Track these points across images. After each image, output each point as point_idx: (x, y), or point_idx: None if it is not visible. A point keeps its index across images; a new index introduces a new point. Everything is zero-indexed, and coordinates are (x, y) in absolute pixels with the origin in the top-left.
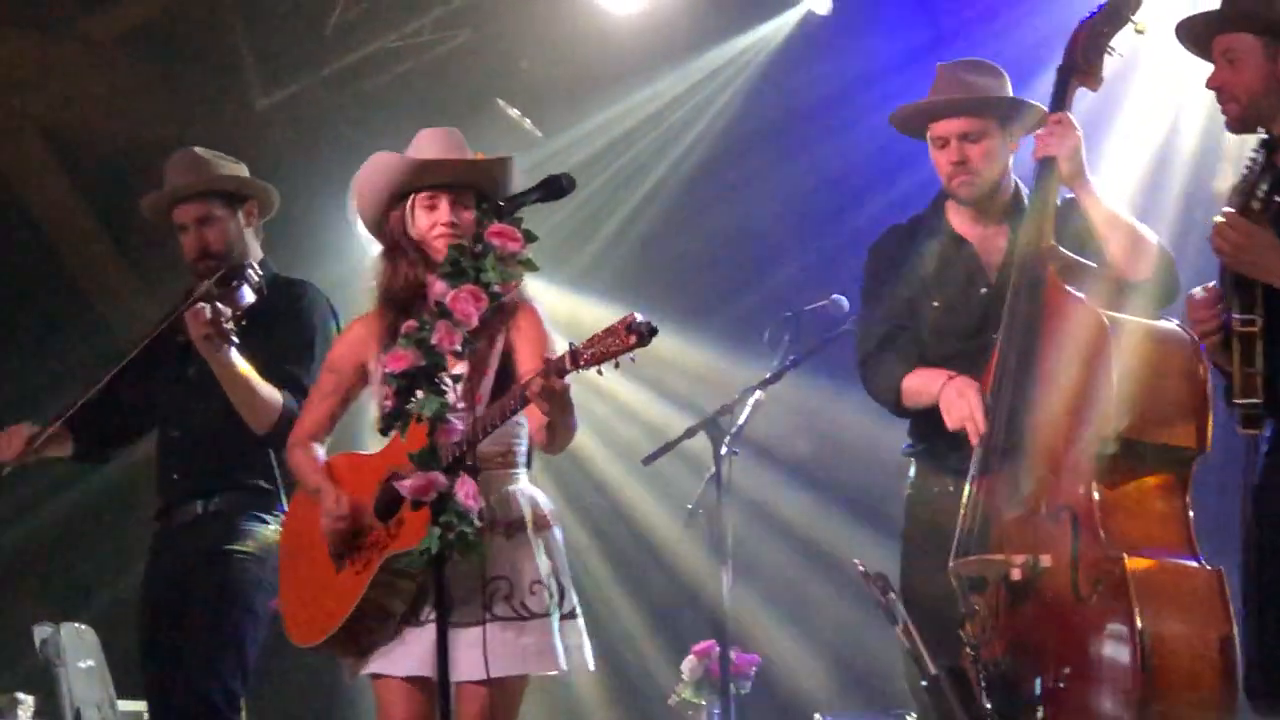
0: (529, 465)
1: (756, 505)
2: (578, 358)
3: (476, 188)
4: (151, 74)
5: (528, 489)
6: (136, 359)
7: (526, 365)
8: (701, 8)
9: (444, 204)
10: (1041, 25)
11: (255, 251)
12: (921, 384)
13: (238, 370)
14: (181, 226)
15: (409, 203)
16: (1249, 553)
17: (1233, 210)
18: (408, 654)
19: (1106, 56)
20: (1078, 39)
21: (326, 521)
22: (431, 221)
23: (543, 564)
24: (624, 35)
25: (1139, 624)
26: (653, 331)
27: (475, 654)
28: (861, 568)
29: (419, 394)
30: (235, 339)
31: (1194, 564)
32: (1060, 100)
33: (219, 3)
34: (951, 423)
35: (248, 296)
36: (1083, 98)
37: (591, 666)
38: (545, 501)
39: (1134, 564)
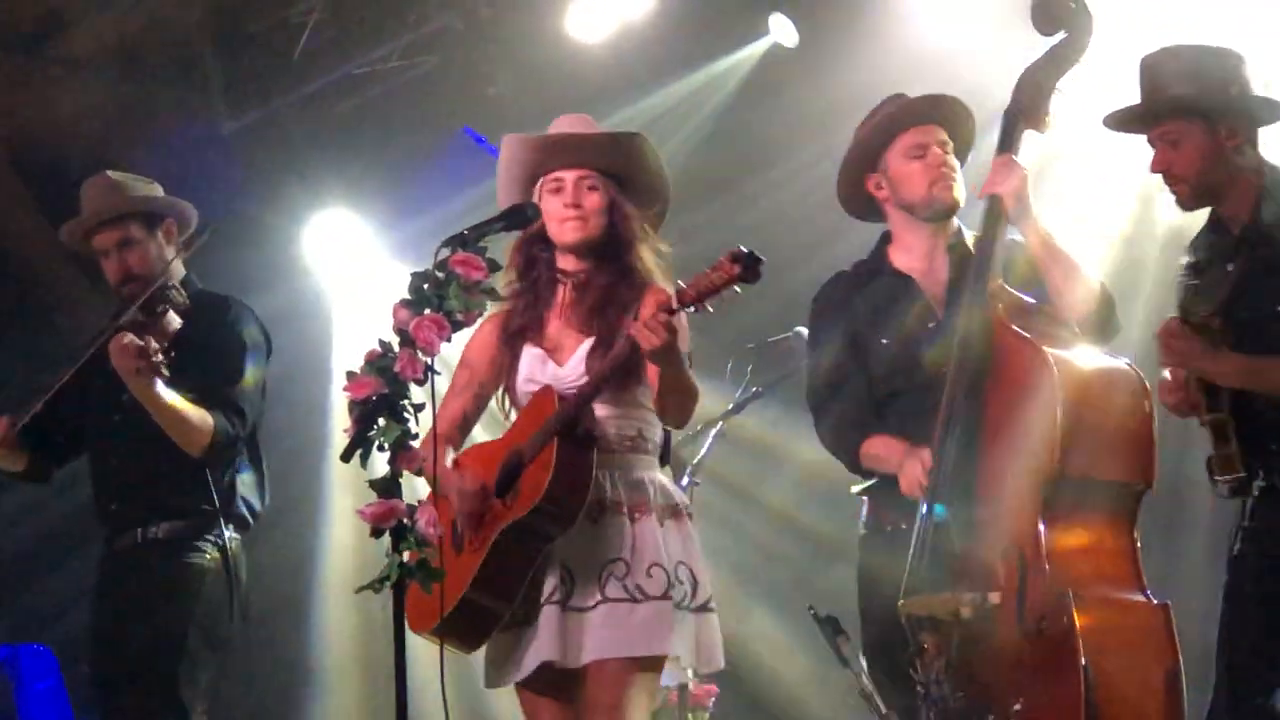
0: (665, 457)
1: (717, 536)
2: (683, 294)
3: (604, 168)
4: (118, 96)
5: (658, 476)
6: (68, 384)
7: None
8: (669, 37)
9: (569, 185)
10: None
11: (177, 269)
12: (883, 453)
13: (164, 401)
14: (103, 252)
15: (538, 187)
16: (1238, 591)
17: (1175, 319)
18: (533, 648)
19: (1055, 99)
20: (1024, 82)
21: (456, 501)
22: (557, 205)
23: (667, 549)
24: (592, 63)
25: (1083, 660)
26: (756, 261)
27: (590, 636)
28: (813, 611)
29: (380, 421)
30: (164, 372)
31: (1141, 599)
32: (1007, 142)
33: (187, 26)
34: (904, 487)
35: (174, 323)
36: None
37: (722, 664)
38: (678, 492)
39: (1080, 600)
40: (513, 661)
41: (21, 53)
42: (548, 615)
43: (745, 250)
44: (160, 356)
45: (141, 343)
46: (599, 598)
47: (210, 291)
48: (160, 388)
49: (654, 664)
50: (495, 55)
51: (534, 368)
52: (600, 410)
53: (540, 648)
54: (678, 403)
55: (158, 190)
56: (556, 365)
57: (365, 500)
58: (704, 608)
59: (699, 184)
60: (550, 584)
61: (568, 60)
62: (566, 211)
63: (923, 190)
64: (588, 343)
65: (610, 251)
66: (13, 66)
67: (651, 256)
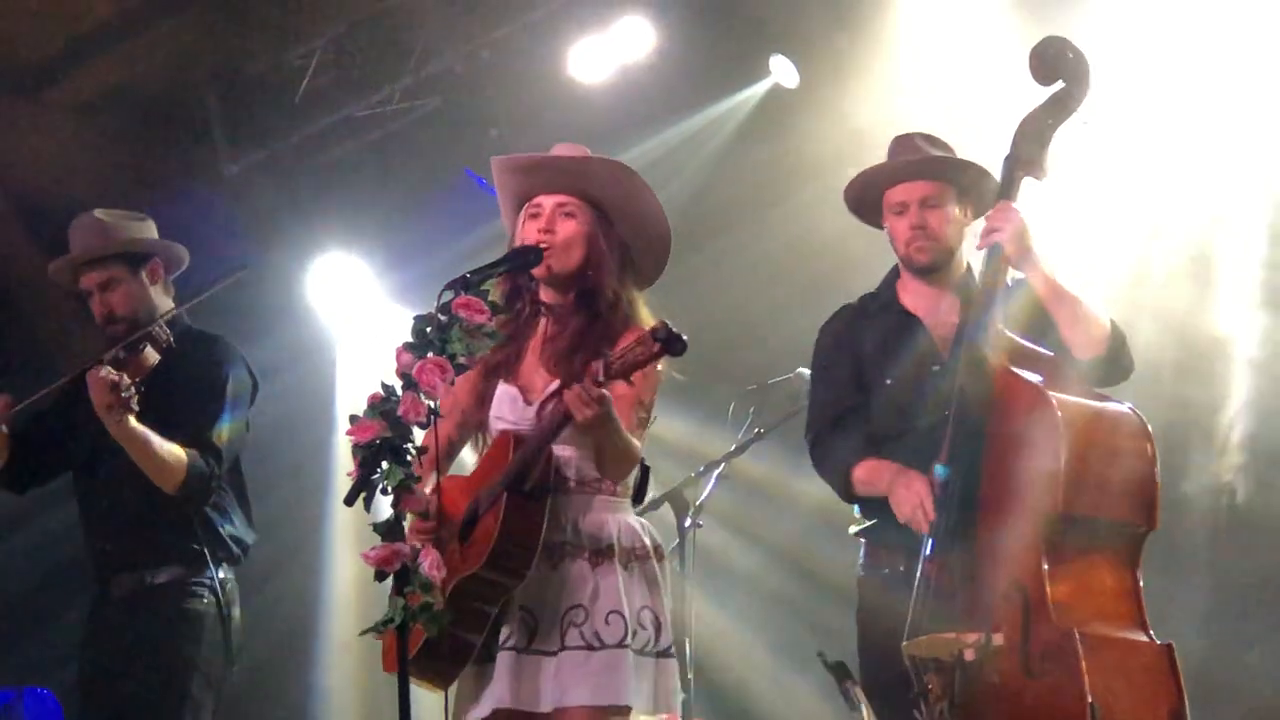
0: (640, 495)
1: (721, 577)
2: (609, 367)
3: (585, 195)
4: (121, 138)
5: (626, 518)
6: (56, 407)
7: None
8: (670, 79)
9: (546, 211)
10: (1007, 110)
11: (165, 305)
12: (871, 476)
13: (136, 436)
14: (87, 292)
15: (521, 214)
16: None
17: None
18: (489, 690)
19: (1052, 147)
20: (1022, 131)
21: (411, 531)
22: (532, 231)
23: (628, 595)
24: (593, 104)
25: (1089, 699)
26: (676, 338)
27: (549, 685)
28: (823, 657)
29: (384, 465)
30: (135, 407)
31: (1144, 639)
32: (1006, 190)
33: (190, 68)
34: (901, 516)
35: (151, 358)
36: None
37: (678, 711)
38: (647, 534)
39: (1084, 640)
40: (474, 699)
41: (23, 96)
42: (504, 661)
43: (666, 326)
44: (132, 391)
45: (116, 378)
46: (559, 645)
47: (202, 331)
48: (132, 423)
49: (620, 711)
50: (496, 97)
51: (504, 405)
52: (563, 451)
53: (494, 692)
54: (611, 464)
55: (149, 228)
56: (525, 404)
57: (369, 544)
58: (665, 653)
59: (700, 225)
60: (508, 629)
61: (569, 102)
62: (539, 238)
63: (901, 248)
64: (554, 385)
65: (590, 286)
66: (14, 110)
67: (634, 294)
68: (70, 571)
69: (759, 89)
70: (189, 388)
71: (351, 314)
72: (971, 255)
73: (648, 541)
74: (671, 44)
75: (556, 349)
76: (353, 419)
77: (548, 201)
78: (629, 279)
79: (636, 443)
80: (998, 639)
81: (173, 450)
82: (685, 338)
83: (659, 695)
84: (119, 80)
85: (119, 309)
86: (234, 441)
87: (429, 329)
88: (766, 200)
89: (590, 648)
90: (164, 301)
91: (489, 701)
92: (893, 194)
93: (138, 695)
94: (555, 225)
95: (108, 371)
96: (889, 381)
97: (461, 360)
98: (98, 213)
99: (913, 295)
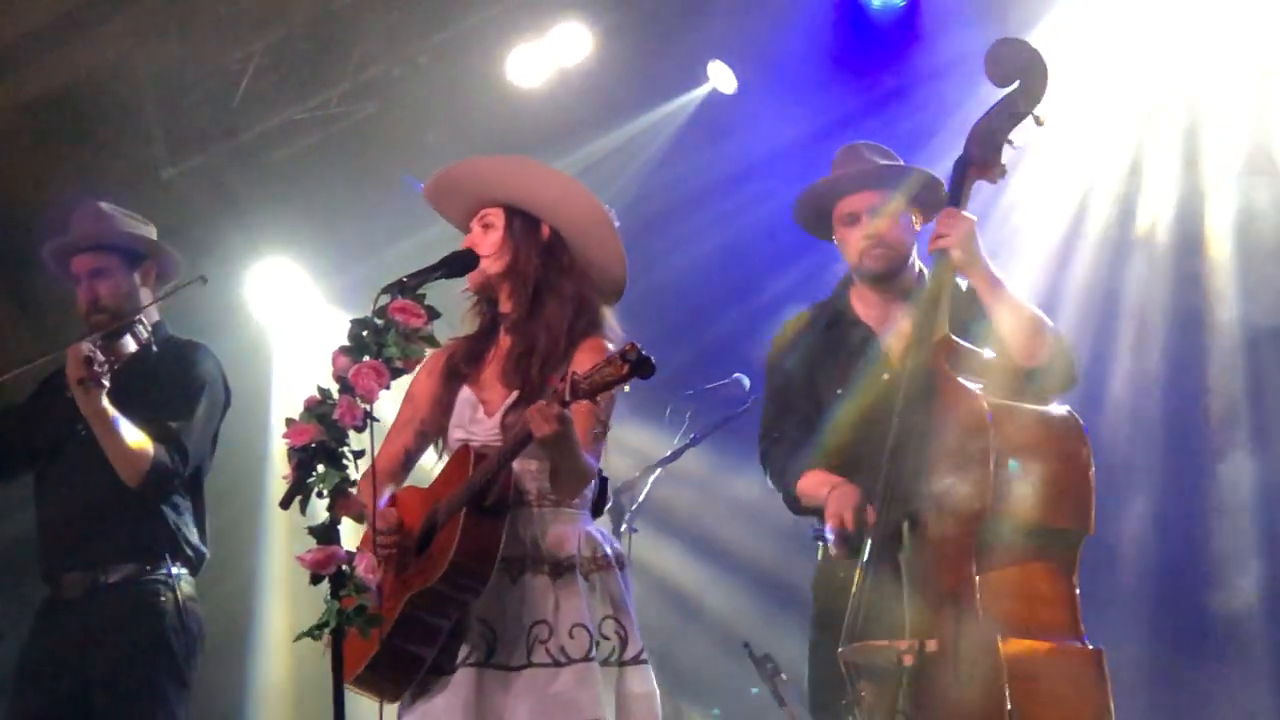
0: (599, 507)
1: (658, 581)
2: (576, 387)
3: (494, 200)
4: (56, 141)
5: (586, 529)
6: (13, 406)
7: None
8: (608, 84)
9: (475, 225)
10: (944, 114)
11: (151, 314)
12: (812, 489)
13: (106, 414)
14: (76, 277)
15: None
16: None
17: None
18: (447, 704)
19: (1007, 149)
20: (976, 133)
21: (375, 543)
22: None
23: (591, 607)
24: (530, 109)
25: (1008, 706)
26: (644, 361)
27: (516, 702)
28: (749, 649)
29: (319, 468)
30: (106, 383)
31: (1076, 644)
32: (957, 193)
33: (128, 71)
34: (829, 521)
35: (129, 345)
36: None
37: (658, 717)
38: (606, 543)
39: (1009, 647)
40: (426, 707)
41: None
42: (465, 677)
43: (637, 349)
44: (106, 368)
45: (91, 353)
46: (525, 661)
47: (187, 338)
48: (104, 401)
49: None
50: (434, 102)
51: (464, 413)
52: (524, 465)
53: (453, 712)
54: (566, 484)
55: (151, 232)
56: (485, 414)
57: (304, 546)
58: (635, 660)
59: (636, 229)
60: (468, 645)
61: (507, 106)
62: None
63: (854, 258)
64: (512, 397)
65: (534, 294)
66: None
67: (586, 290)
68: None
69: (697, 94)
70: (165, 386)
71: (289, 317)
72: (923, 261)
73: (609, 550)
74: (609, 49)
75: (510, 358)
76: (289, 422)
77: (490, 213)
78: (574, 274)
79: (593, 462)
80: (931, 645)
81: (140, 439)
82: (653, 360)
83: (633, 702)
84: (58, 81)
85: (104, 298)
86: (201, 443)
87: (365, 333)
88: (703, 205)
89: (557, 663)
90: (151, 307)
91: (447, 717)
92: (843, 205)
93: (97, 692)
94: (479, 242)
95: (87, 346)
96: (840, 391)
97: (398, 364)
98: (102, 204)
99: (865, 304)
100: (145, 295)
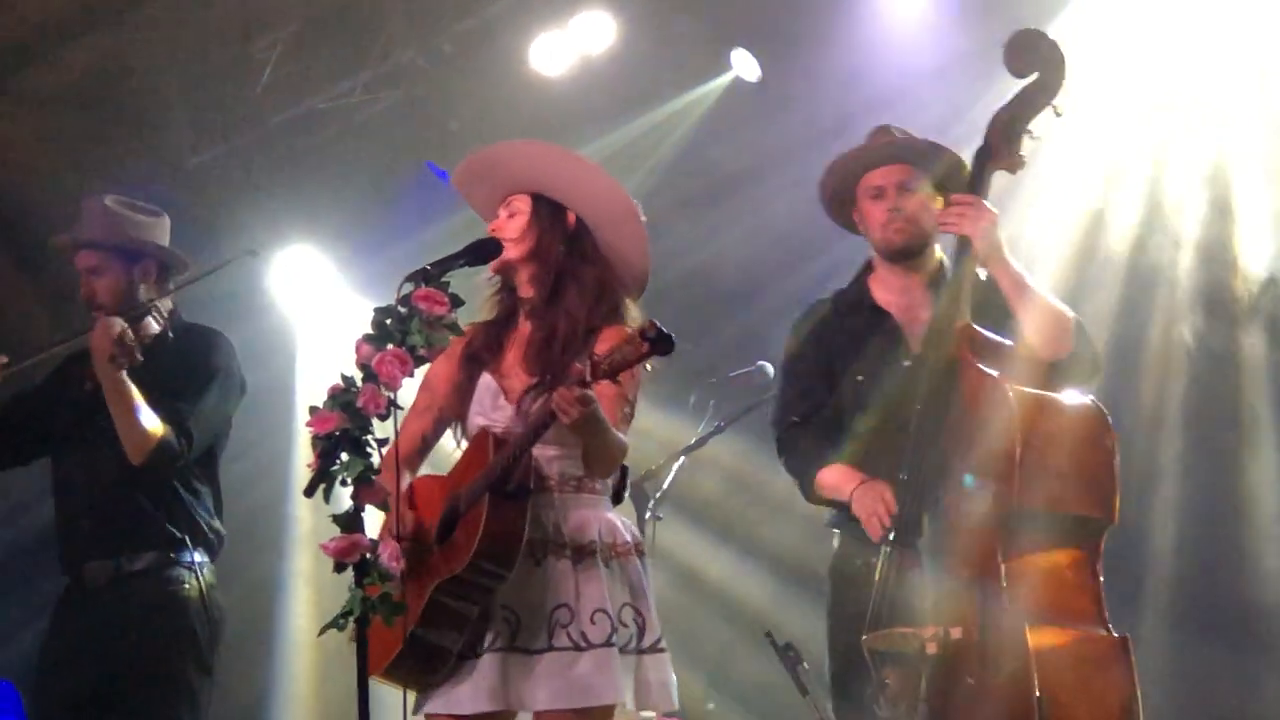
0: (619, 494)
1: (682, 569)
2: (597, 367)
3: (520, 187)
4: (82, 130)
5: (607, 515)
6: (31, 390)
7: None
8: (631, 72)
9: (501, 211)
10: (969, 103)
11: (164, 303)
12: (835, 483)
13: (126, 391)
14: (79, 271)
15: None
16: None
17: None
18: (473, 690)
19: (1026, 139)
20: (996, 124)
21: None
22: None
23: (612, 593)
24: (553, 98)
25: (1036, 693)
26: (664, 338)
27: (536, 686)
28: (771, 638)
29: (343, 456)
30: (139, 357)
31: (1100, 631)
32: (977, 184)
33: (151, 61)
34: (861, 518)
35: (152, 327)
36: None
37: (675, 704)
38: (627, 530)
39: (1035, 634)
40: (443, 694)
41: None
42: (490, 663)
43: (656, 326)
44: (136, 345)
45: (123, 329)
46: (546, 644)
47: (203, 325)
48: (125, 377)
49: (605, 713)
50: (458, 90)
51: (484, 400)
52: (544, 451)
53: (479, 697)
54: (600, 463)
55: (158, 226)
56: (506, 401)
57: (328, 534)
58: (653, 648)
59: (659, 218)
60: (493, 630)
61: (530, 95)
62: (494, 228)
63: (876, 232)
64: (530, 383)
65: (555, 281)
66: None
67: (610, 279)
68: (19, 558)
69: (720, 82)
70: (178, 370)
71: (313, 306)
72: (946, 249)
73: (628, 538)
74: (633, 37)
75: (531, 345)
76: (312, 410)
77: (503, 209)
78: (597, 263)
79: (623, 438)
80: (956, 633)
81: (152, 419)
82: (673, 336)
83: (650, 690)
84: (80, 73)
85: (100, 296)
86: (209, 429)
87: (389, 321)
88: (727, 193)
89: (578, 647)
90: (158, 300)
91: (473, 703)
92: (869, 178)
93: (123, 681)
94: (503, 227)
95: (120, 322)
96: (860, 378)
97: (421, 352)
98: (108, 200)
99: (885, 288)
100: (146, 292)
